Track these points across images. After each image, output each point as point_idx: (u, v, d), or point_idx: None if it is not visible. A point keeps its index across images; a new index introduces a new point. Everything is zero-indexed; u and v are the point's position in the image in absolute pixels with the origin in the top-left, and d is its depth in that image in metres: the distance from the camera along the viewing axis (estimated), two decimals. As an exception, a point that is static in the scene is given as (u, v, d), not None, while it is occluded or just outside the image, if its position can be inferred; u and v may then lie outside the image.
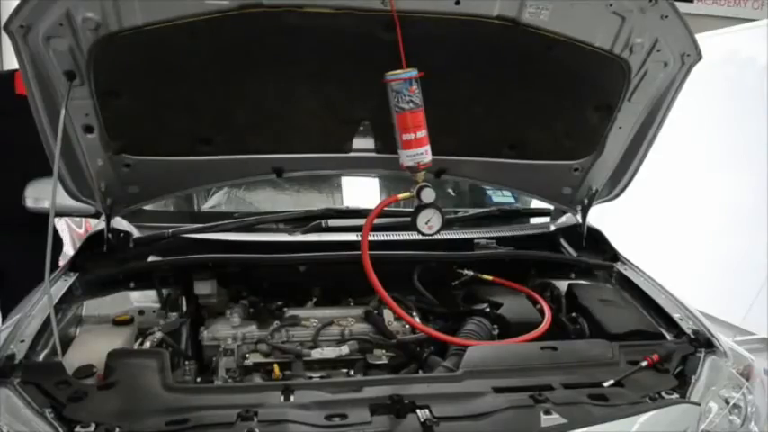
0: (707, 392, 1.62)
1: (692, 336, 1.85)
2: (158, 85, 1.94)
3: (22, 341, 1.64)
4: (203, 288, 2.12)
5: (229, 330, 2.02)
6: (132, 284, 2.10)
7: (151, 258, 2.21)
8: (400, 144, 1.83)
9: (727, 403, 1.63)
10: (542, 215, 2.81)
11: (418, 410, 1.44)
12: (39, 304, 1.79)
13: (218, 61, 1.92)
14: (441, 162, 2.12)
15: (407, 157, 1.83)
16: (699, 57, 1.98)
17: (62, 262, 2.14)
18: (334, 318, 2.09)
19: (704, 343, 1.82)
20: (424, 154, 1.82)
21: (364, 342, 1.99)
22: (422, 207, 1.76)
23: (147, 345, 1.85)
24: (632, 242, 2.57)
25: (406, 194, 1.86)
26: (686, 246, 4.15)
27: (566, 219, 2.63)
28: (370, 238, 1.87)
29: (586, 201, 2.42)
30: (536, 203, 2.85)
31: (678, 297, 2.07)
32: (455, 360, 1.77)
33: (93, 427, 1.37)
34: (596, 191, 2.38)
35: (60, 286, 1.96)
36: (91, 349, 1.77)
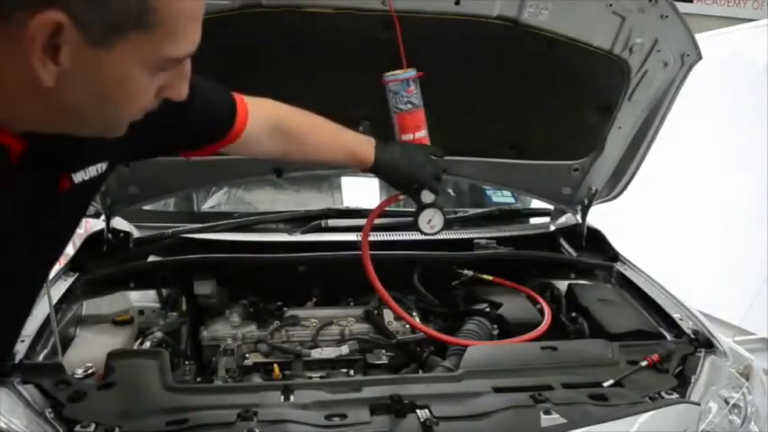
0: (707, 392, 1.61)
1: (692, 336, 1.84)
2: (158, 85, 1.94)
3: (22, 341, 1.63)
4: (203, 288, 2.11)
5: (229, 330, 2.01)
6: (132, 284, 2.10)
7: (151, 258, 2.21)
8: (400, 145, 1.82)
9: (727, 403, 1.61)
10: (542, 215, 2.81)
11: (418, 410, 1.43)
12: (39, 304, 1.75)
13: (217, 61, 1.88)
14: (441, 162, 2.11)
15: (407, 158, 1.82)
16: (699, 57, 1.97)
17: (62, 262, 2.14)
18: (334, 318, 2.08)
19: (704, 343, 1.81)
20: (424, 155, 1.81)
21: (364, 342, 1.99)
22: (423, 207, 1.76)
23: (147, 345, 1.85)
24: (632, 242, 2.57)
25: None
26: (686, 245, 4.15)
27: (565, 219, 2.62)
28: (369, 238, 1.87)
29: (586, 201, 2.42)
30: (536, 203, 2.86)
31: (678, 297, 2.06)
32: (455, 360, 1.77)
33: (92, 427, 1.36)
34: (596, 191, 2.38)
35: (60, 286, 1.95)
36: (90, 349, 1.77)
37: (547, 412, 1.44)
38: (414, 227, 1.78)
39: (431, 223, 1.77)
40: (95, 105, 0.91)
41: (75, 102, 0.89)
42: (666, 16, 1.86)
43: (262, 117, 1.48)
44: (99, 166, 1.14)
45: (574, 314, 2.12)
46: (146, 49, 0.87)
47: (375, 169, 1.67)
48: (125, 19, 0.83)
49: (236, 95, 1.44)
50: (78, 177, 1.09)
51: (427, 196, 1.74)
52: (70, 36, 0.80)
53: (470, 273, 2.26)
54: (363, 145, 1.66)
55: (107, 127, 0.98)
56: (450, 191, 3.22)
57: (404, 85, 1.69)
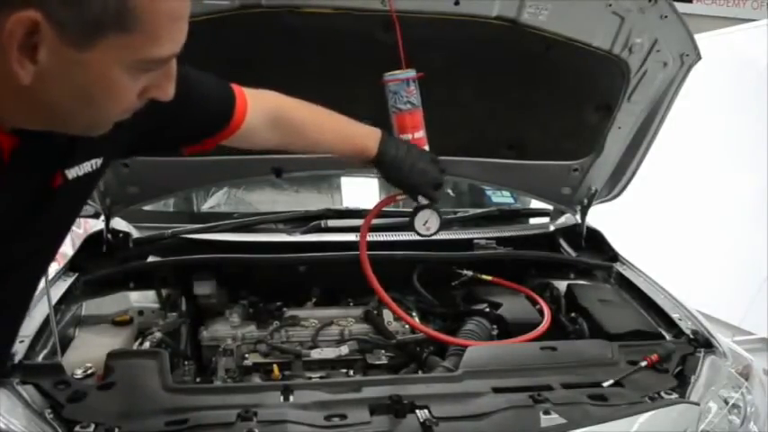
0: (706, 392, 1.61)
1: (692, 336, 1.84)
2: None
3: (22, 341, 1.62)
4: (203, 288, 2.11)
5: (229, 331, 2.02)
6: (132, 285, 2.09)
7: (150, 258, 2.21)
8: (398, 145, 1.82)
9: (727, 403, 1.61)
10: (542, 215, 2.81)
11: (417, 411, 1.43)
12: (38, 304, 1.76)
13: (217, 61, 1.89)
14: (440, 162, 2.11)
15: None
16: (698, 57, 1.97)
17: (62, 262, 2.15)
18: (334, 318, 2.08)
19: (703, 343, 1.81)
20: (423, 155, 1.80)
21: (364, 342, 1.98)
22: (419, 208, 1.75)
23: (147, 345, 1.85)
24: (632, 242, 2.57)
25: (404, 195, 1.82)
26: (685, 245, 4.15)
27: (565, 219, 2.62)
28: (369, 239, 1.86)
29: (586, 201, 2.42)
30: (535, 204, 2.85)
31: (677, 297, 2.06)
32: (454, 360, 1.76)
33: (92, 427, 1.35)
34: (596, 191, 2.38)
35: (60, 286, 1.95)
36: (90, 349, 1.76)
37: (546, 412, 1.43)
38: (410, 228, 1.78)
39: (427, 225, 1.76)
40: (76, 105, 0.91)
41: (55, 101, 0.89)
42: (666, 16, 1.86)
43: (262, 109, 1.47)
44: (93, 162, 1.13)
45: (573, 314, 2.11)
46: (127, 50, 0.86)
47: (376, 163, 1.65)
48: (103, 19, 0.82)
49: (236, 87, 1.43)
50: (72, 173, 1.09)
51: (423, 198, 1.74)
52: (47, 35, 0.80)
53: (470, 273, 2.26)
54: (367, 138, 1.63)
55: (90, 126, 0.98)
56: (450, 191, 3.22)
57: (403, 85, 1.68)
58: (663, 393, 1.58)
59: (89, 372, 1.65)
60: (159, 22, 0.86)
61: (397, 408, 1.42)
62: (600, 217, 2.53)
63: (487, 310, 2.10)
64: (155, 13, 0.85)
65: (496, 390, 1.55)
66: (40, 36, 0.80)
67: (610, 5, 1.84)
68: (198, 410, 1.43)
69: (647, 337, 1.88)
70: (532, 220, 2.88)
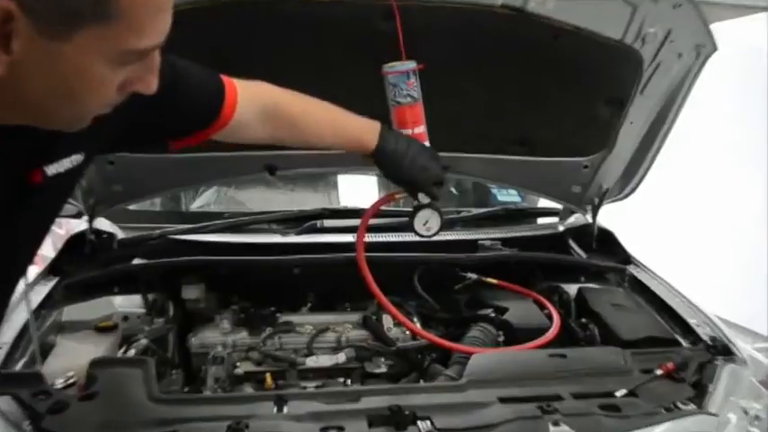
0: (725, 403, 1.57)
1: (710, 342, 1.80)
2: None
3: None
4: (191, 292, 2.08)
5: (219, 337, 2.00)
6: (116, 289, 2.06)
7: (136, 261, 2.18)
8: (398, 140, 1.80)
9: (747, 414, 1.57)
10: (550, 215, 2.79)
11: (419, 422, 1.40)
12: (16, 310, 1.74)
13: (211, 52, 1.88)
14: (442, 159, 2.08)
15: (405, 155, 1.79)
16: (714, 48, 1.94)
17: (42, 265, 2.14)
18: (330, 324, 2.06)
19: (722, 350, 1.77)
20: (423, 151, 1.81)
21: (362, 349, 1.97)
22: (419, 207, 1.74)
23: (132, 353, 1.82)
24: (644, 244, 2.52)
25: (404, 193, 1.82)
26: (686, 245, 4.16)
27: (575, 219, 2.61)
28: (368, 239, 1.86)
29: (597, 200, 2.40)
30: (543, 203, 2.84)
31: (695, 302, 2.03)
32: (458, 368, 1.74)
33: None
34: (607, 189, 2.36)
35: (39, 291, 1.93)
36: (72, 357, 1.73)
37: (556, 424, 1.40)
38: (409, 228, 1.77)
39: (427, 225, 1.76)
40: (53, 98, 0.91)
41: (32, 94, 0.89)
42: (680, 5, 1.83)
43: (253, 101, 1.46)
44: (74, 157, 1.13)
45: (584, 320, 2.08)
46: (107, 41, 0.86)
47: (375, 157, 1.64)
48: (81, 9, 0.82)
49: (226, 79, 1.42)
50: (52, 170, 1.07)
51: (424, 196, 1.73)
52: (20, 25, 0.80)
53: (474, 276, 2.23)
54: (365, 131, 1.62)
55: (68, 121, 0.98)
56: (453, 189, 3.22)
57: (404, 78, 1.68)
58: (679, 404, 1.55)
59: (70, 381, 1.62)
60: (140, 12, 0.86)
61: (398, 419, 1.39)
62: (601, 217, 2.49)
63: (493, 315, 2.07)
64: (135, 3, 0.85)
65: (503, 400, 1.52)
66: (13, 25, 0.80)
67: None
68: (186, 422, 1.40)
69: (662, 344, 1.85)
70: (540, 220, 2.87)
